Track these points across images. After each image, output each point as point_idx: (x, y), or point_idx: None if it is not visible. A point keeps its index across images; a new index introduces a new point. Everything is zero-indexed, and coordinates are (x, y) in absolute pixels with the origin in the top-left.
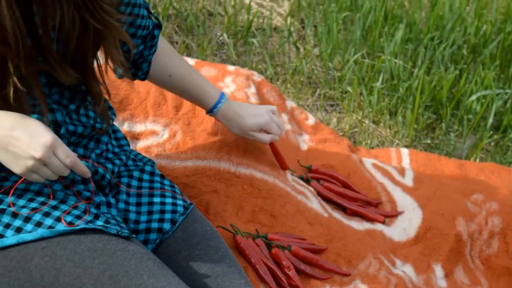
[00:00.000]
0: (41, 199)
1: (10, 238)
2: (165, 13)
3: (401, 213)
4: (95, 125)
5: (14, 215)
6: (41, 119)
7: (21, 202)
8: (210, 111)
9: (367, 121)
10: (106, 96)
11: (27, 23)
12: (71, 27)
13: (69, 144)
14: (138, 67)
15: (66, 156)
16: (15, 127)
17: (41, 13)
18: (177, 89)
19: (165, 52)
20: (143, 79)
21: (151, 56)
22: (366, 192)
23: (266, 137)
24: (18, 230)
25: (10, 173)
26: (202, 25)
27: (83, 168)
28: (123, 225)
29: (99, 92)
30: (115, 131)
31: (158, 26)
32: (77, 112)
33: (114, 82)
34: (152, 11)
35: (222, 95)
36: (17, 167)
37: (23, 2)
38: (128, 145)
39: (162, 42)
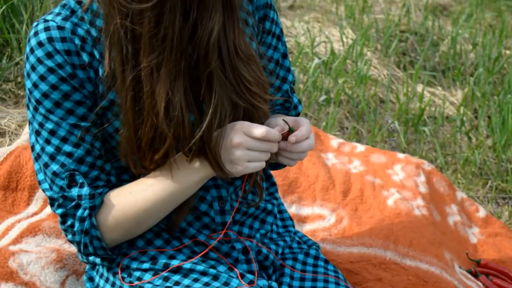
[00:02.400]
0: (205, 279)
1: None
2: (337, 99)
3: None
4: (247, 197)
5: None
6: (205, 194)
7: (186, 281)
8: None
9: None
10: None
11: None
12: (220, 107)
13: (234, 223)
14: None
15: (255, 130)
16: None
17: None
18: None
19: None
20: None
21: None
22: None
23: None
24: None
25: (177, 251)
26: (373, 112)
27: (275, 134)
28: None
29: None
30: (282, 211)
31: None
32: (243, 188)
33: None
34: (324, 96)
35: None
36: (236, 166)
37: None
38: (293, 226)
39: None
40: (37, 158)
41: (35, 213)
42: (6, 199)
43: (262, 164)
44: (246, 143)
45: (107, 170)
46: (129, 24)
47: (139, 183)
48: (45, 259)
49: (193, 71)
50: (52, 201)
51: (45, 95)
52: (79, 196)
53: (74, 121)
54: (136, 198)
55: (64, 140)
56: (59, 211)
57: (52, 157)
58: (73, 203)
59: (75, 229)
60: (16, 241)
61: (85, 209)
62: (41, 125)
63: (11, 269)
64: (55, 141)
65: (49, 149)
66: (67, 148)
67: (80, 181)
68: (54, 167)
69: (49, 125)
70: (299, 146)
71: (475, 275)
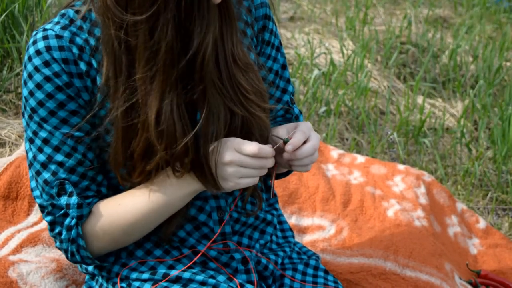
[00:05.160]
0: None
1: None
2: (337, 110)
3: None
4: (246, 207)
5: None
6: (203, 205)
7: None
8: None
9: None
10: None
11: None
12: (216, 119)
13: (233, 233)
14: None
15: (246, 147)
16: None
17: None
18: None
19: None
20: None
21: None
22: None
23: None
24: None
25: (177, 261)
26: (373, 123)
27: (267, 151)
28: None
29: None
30: (282, 222)
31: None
32: (242, 199)
33: None
34: (325, 108)
35: None
36: (227, 182)
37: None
38: (293, 237)
39: None
40: (30, 165)
41: (35, 223)
42: (6, 209)
43: (255, 180)
44: (237, 160)
45: (98, 181)
46: (123, 35)
47: (128, 194)
48: (45, 269)
49: (187, 83)
50: (42, 208)
51: (40, 104)
52: (67, 205)
53: (67, 131)
54: (125, 209)
55: (57, 149)
56: (48, 218)
57: (44, 165)
58: (62, 212)
59: (63, 237)
60: (16, 251)
61: (72, 218)
62: (35, 133)
63: (10, 279)
64: (47, 149)
65: (41, 157)
66: (59, 157)
67: (70, 190)
68: (46, 175)
69: (43, 134)
70: (301, 152)
71: (475, 286)
